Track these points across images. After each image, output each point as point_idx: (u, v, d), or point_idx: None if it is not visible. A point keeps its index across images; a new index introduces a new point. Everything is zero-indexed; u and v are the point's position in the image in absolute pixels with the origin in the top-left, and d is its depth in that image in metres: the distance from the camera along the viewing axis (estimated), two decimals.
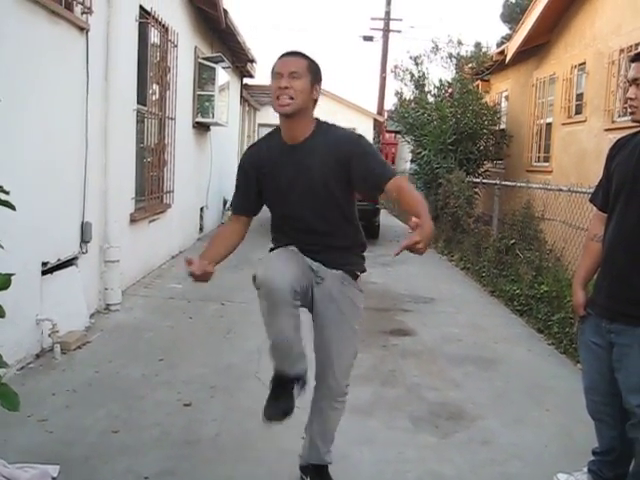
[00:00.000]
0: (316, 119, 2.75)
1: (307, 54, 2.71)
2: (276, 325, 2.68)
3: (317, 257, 2.77)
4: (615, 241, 2.75)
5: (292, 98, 2.58)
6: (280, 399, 2.82)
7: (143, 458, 3.23)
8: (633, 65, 2.72)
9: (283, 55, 2.68)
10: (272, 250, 2.84)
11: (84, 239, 5.54)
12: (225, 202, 13.61)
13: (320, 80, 2.71)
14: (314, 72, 2.66)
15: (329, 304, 2.79)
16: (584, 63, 9.10)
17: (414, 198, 2.55)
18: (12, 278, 1.77)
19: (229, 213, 3.02)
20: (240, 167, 2.89)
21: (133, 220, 6.88)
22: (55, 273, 4.99)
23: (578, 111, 9.36)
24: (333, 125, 2.79)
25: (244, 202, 2.89)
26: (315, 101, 2.71)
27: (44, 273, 4.79)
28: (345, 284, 2.81)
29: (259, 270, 2.59)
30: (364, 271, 2.94)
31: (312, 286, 2.77)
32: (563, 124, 9.75)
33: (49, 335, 4.66)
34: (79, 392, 4.09)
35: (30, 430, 3.47)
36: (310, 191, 2.67)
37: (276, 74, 2.61)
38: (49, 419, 3.62)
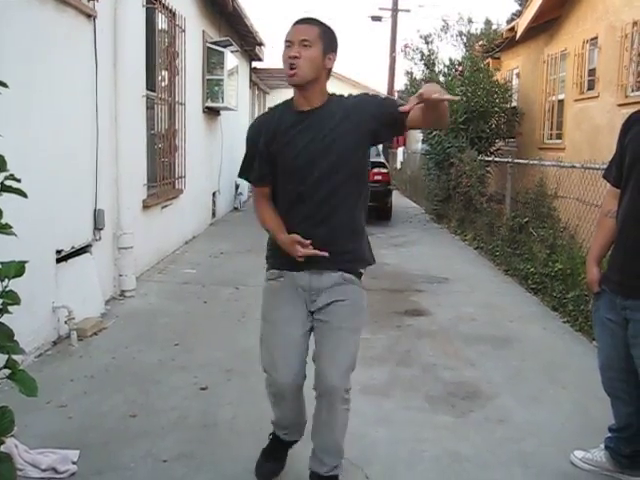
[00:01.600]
0: (329, 93, 2.65)
1: (321, 20, 2.57)
2: (281, 411, 2.82)
3: (320, 249, 2.53)
4: (629, 217, 2.73)
5: (301, 67, 2.48)
6: (273, 459, 2.95)
7: (161, 442, 3.26)
8: None
9: (296, 22, 2.55)
10: (267, 261, 2.76)
11: (97, 226, 5.57)
12: (237, 186, 13.61)
13: (335, 49, 2.58)
14: (327, 40, 2.53)
15: (328, 315, 2.63)
16: (596, 37, 8.98)
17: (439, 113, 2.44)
18: (26, 266, 1.78)
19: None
20: (250, 137, 2.72)
21: (146, 206, 6.90)
22: (69, 261, 5.02)
23: (590, 87, 9.25)
24: (344, 96, 2.72)
25: (266, 170, 2.66)
26: (329, 71, 2.60)
27: (58, 261, 4.82)
28: (344, 284, 2.64)
29: (262, 357, 2.70)
30: (370, 263, 2.77)
31: (309, 309, 2.66)
32: (575, 100, 9.64)
33: (65, 322, 4.70)
34: (96, 378, 4.12)
35: (50, 416, 3.51)
36: (326, 156, 2.53)
37: (287, 42, 2.51)
38: (68, 405, 3.67)
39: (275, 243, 2.66)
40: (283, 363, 2.64)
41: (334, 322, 2.62)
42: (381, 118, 2.53)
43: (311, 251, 2.49)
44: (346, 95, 2.74)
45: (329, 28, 2.57)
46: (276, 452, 2.95)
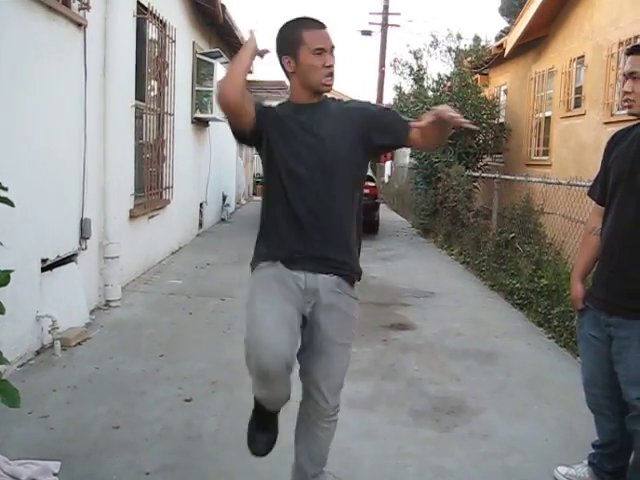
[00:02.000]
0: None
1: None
2: (266, 393, 2.48)
3: (312, 253, 2.45)
4: (613, 234, 2.75)
5: (335, 76, 2.50)
6: (265, 431, 2.68)
7: (144, 453, 3.23)
8: (629, 58, 2.71)
9: (316, 25, 2.49)
10: (254, 263, 2.56)
11: (83, 235, 5.54)
12: (224, 197, 13.60)
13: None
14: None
15: (320, 324, 2.51)
16: (583, 56, 9.09)
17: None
18: (11, 275, 1.77)
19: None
20: (259, 108, 2.55)
21: (132, 216, 6.87)
22: (55, 270, 4.99)
23: (577, 104, 9.34)
24: (335, 99, 2.71)
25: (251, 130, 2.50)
26: None
27: (44, 270, 4.79)
28: (339, 293, 2.53)
29: (246, 339, 2.33)
30: (360, 274, 2.67)
31: (302, 313, 2.48)
32: (562, 117, 9.74)
33: (49, 332, 4.66)
34: (80, 388, 4.09)
35: (31, 426, 3.47)
36: (322, 151, 2.46)
37: (319, 49, 2.44)
38: (50, 415, 3.63)
39: (268, 235, 2.54)
40: (271, 347, 2.24)
41: (329, 334, 2.51)
42: (379, 126, 2.51)
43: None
44: (341, 100, 2.73)
45: None
46: (265, 420, 2.68)
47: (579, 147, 8.85)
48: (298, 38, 2.45)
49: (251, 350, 2.30)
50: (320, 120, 2.51)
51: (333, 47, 2.49)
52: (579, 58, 9.27)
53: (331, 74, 2.49)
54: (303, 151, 2.47)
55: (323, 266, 2.48)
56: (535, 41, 10.72)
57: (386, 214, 15.62)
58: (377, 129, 2.51)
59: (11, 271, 1.77)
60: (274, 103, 2.71)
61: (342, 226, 2.53)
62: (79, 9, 5.29)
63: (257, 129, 2.49)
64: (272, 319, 2.30)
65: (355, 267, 2.61)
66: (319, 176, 2.45)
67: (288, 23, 2.53)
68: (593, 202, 3.04)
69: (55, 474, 2.95)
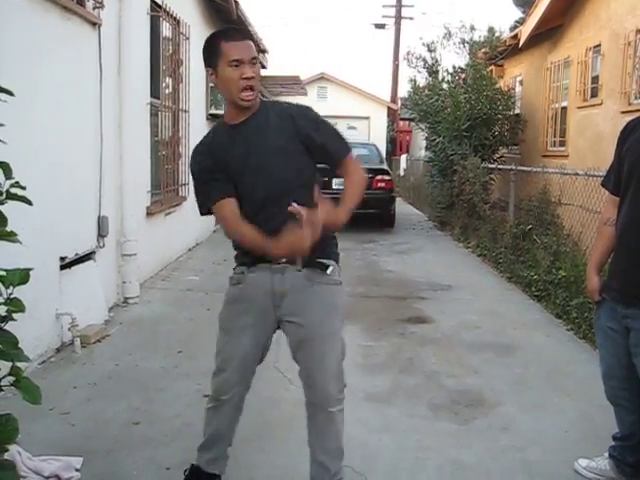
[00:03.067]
0: (260, 100, 2.57)
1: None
2: (216, 422, 2.73)
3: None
4: (628, 224, 2.72)
5: (256, 87, 2.42)
6: None
7: (164, 449, 3.26)
8: None
9: (234, 37, 2.43)
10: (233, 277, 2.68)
11: (101, 233, 5.58)
12: None
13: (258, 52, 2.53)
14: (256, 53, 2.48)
15: (299, 323, 2.55)
16: (599, 45, 8.99)
17: (357, 182, 2.56)
18: (31, 273, 1.79)
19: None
20: (196, 167, 2.56)
21: (149, 213, 6.91)
22: (73, 268, 5.03)
23: (594, 94, 9.25)
24: (276, 101, 2.71)
25: (226, 187, 2.49)
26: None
27: (62, 268, 4.83)
28: (314, 283, 2.53)
29: (216, 364, 2.66)
30: (337, 258, 2.65)
31: (274, 323, 2.60)
32: (578, 107, 9.65)
33: (69, 329, 4.70)
34: (100, 385, 4.13)
35: (53, 423, 3.51)
36: (269, 161, 2.46)
37: (235, 61, 2.37)
38: (71, 412, 3.67)
39: (239, 246, 2.61)
40: (229, 375, 2.62)
41: (311, 328, 2.54)
42: (314, 142, 2.51)
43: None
44: (280, 101, 2.73)
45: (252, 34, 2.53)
46: None
47: (596, 137, 8.76)
48: (217, 49, 2.42)
49: (215, 376, 2.67)
50: (256, 140, 2.47)
51: (253, 58, 2.41)
52: (595, 47, 9.18)
53: (250, 87, 2.40)
54: (251, 178, 2.47)
55: (289, 263, 2.49)
56: (550, 31, 10.62)
57: (402, 207, 15.58)
58: (315, 148, 2.52)
59: (30, 269, 1.78)
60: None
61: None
62: (93, 8, 5.32)
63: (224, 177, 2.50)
64: (234, 355, 2.62)
65: (323, 253, 2.55)
66: (274, 197, 2.45)
67: (212, 34, 2.50)
68: (608, 192, 3.01)
69: (77, 470, 2.99)
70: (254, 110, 2.51)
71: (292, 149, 2.49)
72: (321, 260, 2.54)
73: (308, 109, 2.63)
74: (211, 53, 2.45)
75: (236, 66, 2.38)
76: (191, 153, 2.63)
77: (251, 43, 2.46)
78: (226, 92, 2.46)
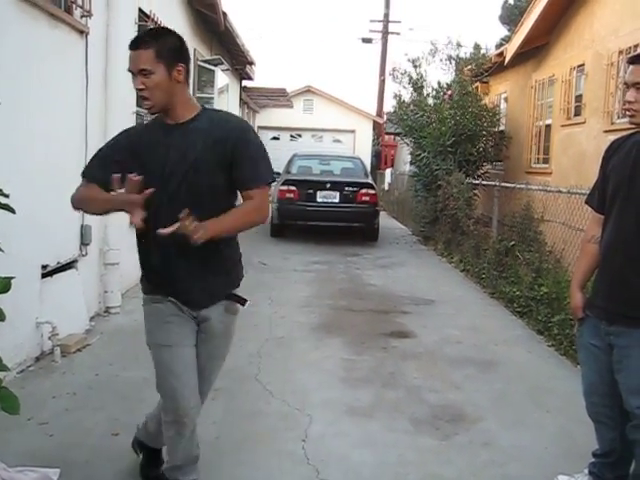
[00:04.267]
0: (202, 105, 2.59)
1: (157, 31, 2.46)
2: (179, 441, 2.72)
3: (195, 295, 2.57)
4: (613, 243, 2.74)
5: (153, 97, 2.38)
6: (155, 466, 2.98)
7: None
8: (631, 68, 2.70)
9: (131, 46, 2.39)
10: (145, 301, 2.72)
11: (84, 242, 5.54)
12: None
13: (182, 57, 2.42)
14: (169, 54, 2.38)
15: (208, 342, 2.69)
16: (583, 64, 9.11)
17: (244, 212, 2.51)
18: (12, 281, 1.77)
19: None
20: (114, 142, 2.59)
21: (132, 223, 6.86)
22: (55, 276, 4.99)
23: (577, 113, 9.36)
24: (222, 111, 2.70)
25: (103, 172, 2.43)
26: (185, 81, 2.46)
27: (44, 276, 4.79)
28: (228, 314, 2.68)
29: (160, 385, 2.64)
30: (240, 280, 2.76)
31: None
32: (562, 126, 9.75)
33: (49, 338, 4.66)
34: (79, 395, 4.09)
35: (30, 433, 3.47)
36: (189, 172, 2.43)
37: (130, 71, 2.40)
38: (49, 422, 3.63)
39: (147, 267, 2.62)
40: (187, 388, 2.60)
41: (212, 353, 2.71)
42: (236, 158, 2.47)
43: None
44: (224, 112, 2.70)
45: (167, 38, 2.42)
46: (155, 459, 3.00)
47: (579, 155, 8.86)
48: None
49: (168, 400, 2.63)
50: (186, 138, 2.46)
51: (142, 70, 2.36)
52: (579, 66, 9.29)
53: (143, 97, 2.40)
54: (169, 163, 2.46)
55: (210, 298, 2.63)
56: (535, 49, 10.75)
57: (386, 221, 15.63)
58: (234, 165, 2.48)
59: (12, 278, 1.77)
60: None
61: (220, 245, 2.54)
62: (81, 16, 5.31)
63: (122, 169, 2.39)
64: (181, 369, 2.58)
65: (238, 283, 2.73)
66: (187, 185, 2.46)
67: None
68: (591, 210, 3.03)
69: None
70: (188, 117, 2.50)
71: (213, 162, 2.46)
72: (237, 292, 2.71)
73: (246, 126, 2.61)
74: (180, 47, 2.47)
75: (133, 76, 2.41)
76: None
77: (143, 52, 2.35)
78: (178, 91, 2.47)
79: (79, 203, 2.52)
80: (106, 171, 2.38)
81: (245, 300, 2.71)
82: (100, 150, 2.60)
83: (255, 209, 2.52)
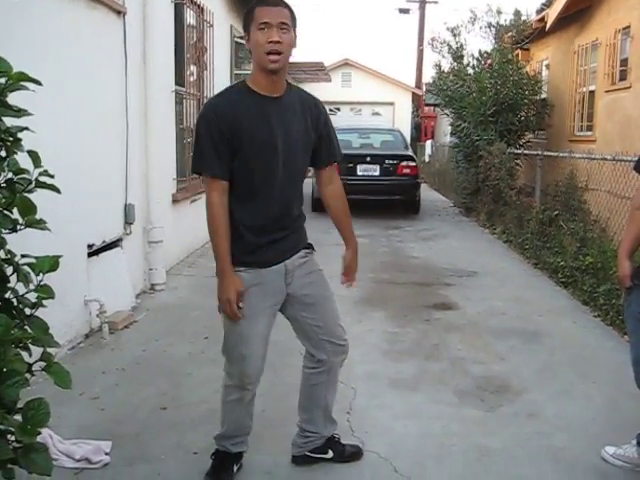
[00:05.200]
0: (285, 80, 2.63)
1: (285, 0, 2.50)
2: (238, 412, 2.86)
3: (286, 244, 2.70)
4: None
5: (282, 53, 2.44)
6: (220, 478, 2.88)
7: (192, 434, 3.30)
8: None
9: (267, 2, 2.44)
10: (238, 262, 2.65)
11: (128, 221, 5.63)
12: None
13: (296, 27, 2.54)
14: (295, 23, 2.52)
15: (310, 290, 2.78)
16: (629, 26, 8.83)
17: (346, 209, 2.87)
18: (60, 260, 1.81)
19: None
20: (209, 121, 2.52)
21: (175, 201, 6.96)
22: (101, 255, 5.09)
23: (622, 77, 9.10)
24: (301, 88, 2.78)
25: (225, 164, 2.53)
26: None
27: (90, 255, 4.89)
28: (307, 259, 2.81)
29: (230, 351, 2.76)
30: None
31: (286, 291, 2.75)
32: (607, 91, 9.50)
33: (97, 315, 4.77)
34: (128, 370, 4.18)
35: (82, 407, 3.57)
36: (291, 146, 2.58)
37: (263, 24, 2.40)
38: (100, 397, 3.73)
39: (241, 236, 2.62)
40: (256, 356, 2.72)
41: (319, 294, 2.80)
42: (321, 133, 2.71)
43: (234, 311, 2.58)
44: (304, 91, 2.77)
45: (292, 7, 2.53)
46: (223, 471, 2.89)
47: (625, 121, 8.63)
48: (251, 14, 2.47)
49: (235, 365, 2.76)
50: (287, 111, 2.59)
51: (282, 23, 2.42)
52: (624, 29, 9.01)
53: (276, 52, 2.42)
54: (275, 134, 2.55)
55: (292, 249, 2.75)
56: (578, 13, 10.46)
57: (427, 193, 15.50)
58: (317, 139, 2.71)
59: (60, 257, 1.81)
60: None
61: (299, 208, 2.82)
62: None
63: (232, 148, 2.56)
64: (253, 341, 2.70)
65: (305, 233, 2.91)
66: (289, 156, 2.61)
67: (252, 1, 2.53)
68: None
69: (107, 453, 3.04)
70: (282, 91, 2.58)
71: (309, 137, 2.66)
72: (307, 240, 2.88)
73: (324, 107, 2.80)
74: (246, 18, 2.51)
75: (263, 29, 2.42)
76: (207, 103, 2.68)
77: (284, 10, 2.46)
78: (255, 57, 2.50)
79: (211, 224, 2.61)
80: (227, 161, 2.52)
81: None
82: (204, 141, 2.54)
83: (342, 191, 2.94)
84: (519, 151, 10.62)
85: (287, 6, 2.48)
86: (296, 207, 2.75)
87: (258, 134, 2.51)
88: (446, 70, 12.95)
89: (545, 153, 9.11)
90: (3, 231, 1.74)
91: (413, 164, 11.69)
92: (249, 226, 2.61)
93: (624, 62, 9.06)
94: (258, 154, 2.53)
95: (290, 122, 2.58)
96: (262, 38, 2.41)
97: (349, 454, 3.06)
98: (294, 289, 2.73)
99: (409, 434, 3.37)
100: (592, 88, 10.25)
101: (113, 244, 5.38)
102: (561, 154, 8.42)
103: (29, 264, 1.78)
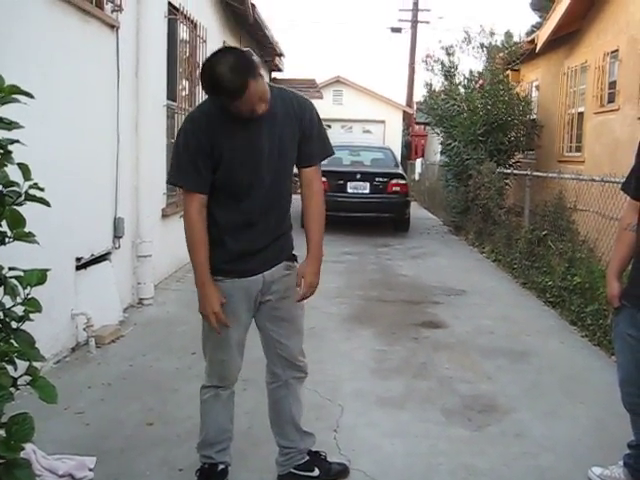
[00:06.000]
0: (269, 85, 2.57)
1: (247, 66, 2.34)
2: (216, 416, 2.90)
3: (267, 254, 2.68)
4: None
5: (259, 108, 2.42)
6: None
7: (177, 450, 3.27)
8: None
9: (231, 94, 2.33)
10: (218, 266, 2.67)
11: (117, 234, 5.61)
12: None
13: (258, 68, 2.42)
14: (253, 75, 2.35)
15: (279, 307, 2.79)
16: (617, 50, 8.94)
17: (318, 213, 2.74)
18: (47, 273, 1.80)
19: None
20: (188, 135, 2.53)
21: (165, 215, 6.94)
22: (89, 268, 5.07)
23: (611, 99, 9.20)
24: (283, 88, 2.73)
25: (203, 178, 2.53)
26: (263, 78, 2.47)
27: (78, 268, 4.87)
28: (289, 272, 2.79)
29: (210, 355, 2.82)
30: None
31: (259, 299, 2.76)
32: (595, 113, 9.60)
33: (84, 329, 4.74)
34: (114, 385, 4.15)
35: (67, 422, 3.54)
36: (275, 156, 2.57)
37: (241, 110, 2.40)
38: (85, 411, 3.70)
39: (222, 243, 2.63)
40: (233, 363, 2.82)
41: (289, 312, 2.80)
42: (303, 133, 2.66)
43: (221, 320, 2.60)
44: (285, 90, 2.72)
45: (246, 66, 2.34)
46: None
47: (613, 143, 8.71)
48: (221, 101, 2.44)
49: (214, 370, 2.85)
50: (263, 127, 2.54)
51: (248, 103, 2.40)
52: (613, 52, 9.12)
53: (248, 111, 2.44)
54: (251, 152, 2.55)
55: (274, 259, 2.74)
56: (567, 36, 10.58)
57: (417, 212, 15.54)
58: (300, 139, 2.67)
59: (48, 270, 1.80)
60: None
61: (285, 216, 2.80)
62: (112, 11, 5.36)
63: (211, 161, 2.57)
64: (232, 347, 2.76)
65: (291, 243, 2.89)
66: (272, 166, 2.61)
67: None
68: (627, 197, 2.99)
69: (91, 469, 3.01)
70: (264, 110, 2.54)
71: (292, 141, 2.63)
72: (292, 251, 2.88)
73: (311, 103, 2.75)
74: (209, 96, 2.48)
75: (245, 110, 2.42)
76: (187, 116, 2.68)
77: (249, 91, 2.33)
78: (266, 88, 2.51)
79: (189, 236, 2.63)
80: (208, 174, 2.53)
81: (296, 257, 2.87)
82: (183, 152, 2.55)
83: (319, 197, 2.77)
84: (509, 171, 10.69)
85: (246, 81, 2.31)
86: (281, 215, 2.74)
87: (239, 147, 2.52)
88: (437, 89, 13.03)
89: (534, 173, 9.16)
90: None
91: (403, 182, 11.74)
92: (231, 232, 2.62)
93: (612, 85, 9.16)
94: (240, 167, 2.54)
95: (272, 132, 2.55)
96: (247, 114, 2.43)
97: (335, 472, 3.04)
98: (266, 299, 2.75)
99: (396, 453, 3.36)
100: (581, 110, 10.35)
101: (102, 257, 5.36)
102: (550, 174, 8.47)
103: (17, 277, 1.77)
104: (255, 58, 2.52)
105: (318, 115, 2.74)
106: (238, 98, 2.33)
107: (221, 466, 2.90)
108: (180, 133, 2.58)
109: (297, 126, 2.62)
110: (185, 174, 2.56)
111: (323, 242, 2.78)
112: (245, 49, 10.28)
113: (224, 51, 2.46)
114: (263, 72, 2.52)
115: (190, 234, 2.60)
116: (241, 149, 2.52)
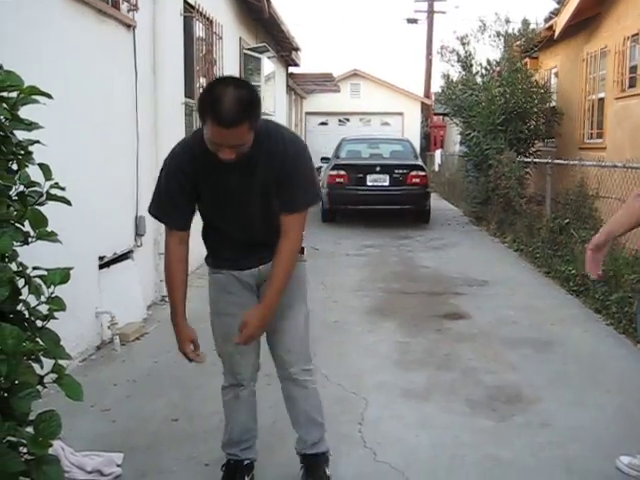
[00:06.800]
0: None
1: (249, 104, 2.22)
2: (237, 415, 2.90)
3: (262, 254, 2.66)
4: None
5: (240, 152, 2.31)
6: None
7: (203, 445, 3.30)
8: None
9: (221, 122, 2.18)
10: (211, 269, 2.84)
11: (139, 232, 5.65)
12: None
13: (259, 109, 2.31)
14: (254, 120, 2.27)
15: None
16: (637, 34, 8.80)
17: (288, 260, 2.55)
18: (71, 272, 1.82)
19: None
20: (169, 174, 2.50)
21: None
22: (112, 267, 5.11)
23: (632, 84, 9.07)
24: (275, 127, 2.58)
25: (184, 215, 2.59)
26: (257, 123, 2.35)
27: (101, 267, 4.91)
28: None
29: (221, 352, 2.89)
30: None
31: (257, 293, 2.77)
32: (616, 98, 9.47)
33: (108, 327, 4.78)
34: (139, 382, 4.19)
35: (94, 419, 3.58)
36: (256, 196, 2.51)
37: (213, 141, 2.27)
38: (112, 409, 3.73)
39: (215, 243, 2.73)
40: (243, 356, 2.81)
41: (280, 310, 2.69)
42: (282, 181, 2.48)
43: (194, 356, 2.72)
44: (275, 132, 2.53)
45: (251, 106, 2.24)
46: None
47: (635, 128, 8.59)
48: (204, 118, 2.28)
49: (227, 367, 2.91)
50: (241, 176, 2.46)
51: (233, 146, 2.28)
52: (633, 36, 8.99)
53: (221, 152, 2.32)
54: (233, 192, 2.52)
55: (268, 256, 2.62)
56: (586, 21, 10.45)
57: (437, 203, 15.48)
58: (279, 186, 2.50)
59: (70, 269, 1.82)
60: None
61: (274, 237, 2.58)
62: (128, 11, 5.39)
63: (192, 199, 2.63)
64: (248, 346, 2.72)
65: None
66: (250, 210, 2.58)
67: (208, 92, 2.28)
68: None
69: (118, 465, 3.04)
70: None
71: (272, 192, 2.52)
72: None
73: (300, 147, 2.57)
74: (200, 112, 2.30)
75: (215, 143, 2.29)
76: (170, 152, 2.58)
77: (238, 129, 2.21)
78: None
79: (165, 272, 2.72)
80: (189, 211, 2.60)
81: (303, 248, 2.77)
82: (165, 187, 2.54)
83: (291, 249, 2.57)
84: (529, 160, 10.59)
85: (243, 120, 2.20)
86: (268, 240, 2.58)
87: (218, 188, 2.51)
88: (455, 79, 12.94)
89: (555, 161, 9.08)
90: (15, 243, 1.75)
91: (423, 173, 11.69)
92: (225, 246, 2.73)
93: (633, 69, 9.03)
94: (218, 206, 2.59)
95: (254, 173, 2.45)
96: (214, 148, 2.31)
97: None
98: (262, 292, 2.73)
99: (421, 444, 3.35)
100: (601, 95, 10.22)
101: (124, 256, 5.40)
102: (571, 162, 8.40)
103: (40, 276, 1.79)
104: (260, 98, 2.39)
105: (307, 159, 2.56)
106: (225, 128, 2.19)
107: (247, 461, 2.92)
108: (163, 168, 2.55)
109: (278, 169, 2.46)
110: (165, 212, 2.61)
111: (283, 291, 2.62)
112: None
113: (242, 81, 2.42)
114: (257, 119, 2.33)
115: (167, 273, 2.68)
116: (219, 191, 2.53)
